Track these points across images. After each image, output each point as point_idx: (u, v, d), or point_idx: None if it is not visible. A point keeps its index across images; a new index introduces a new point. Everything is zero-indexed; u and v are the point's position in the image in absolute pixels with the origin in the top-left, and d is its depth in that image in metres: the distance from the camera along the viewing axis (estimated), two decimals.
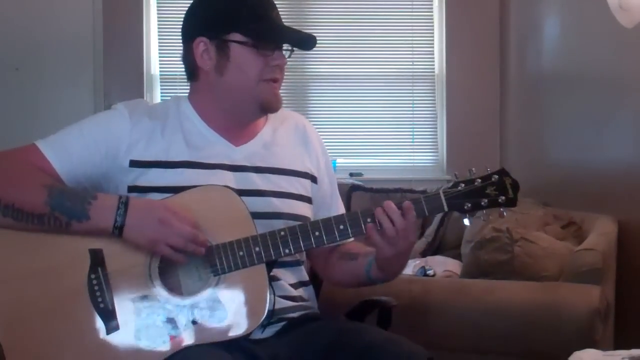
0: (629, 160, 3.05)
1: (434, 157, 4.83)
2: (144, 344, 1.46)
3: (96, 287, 1.47)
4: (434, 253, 3.62)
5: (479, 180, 1.55)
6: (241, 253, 1.49)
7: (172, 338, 1.46)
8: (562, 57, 3.82)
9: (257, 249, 1.50)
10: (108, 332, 1.46)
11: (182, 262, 1.48)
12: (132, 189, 1.57)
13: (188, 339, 1.47)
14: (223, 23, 1.61)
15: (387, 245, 1.53)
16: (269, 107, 1.65)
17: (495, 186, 1.55)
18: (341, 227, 1.53)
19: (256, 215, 1.55)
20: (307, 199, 1.70)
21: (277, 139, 1.71)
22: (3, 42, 4.27)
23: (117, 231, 1.46)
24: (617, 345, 2.43)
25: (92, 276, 1.48)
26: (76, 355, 1.46)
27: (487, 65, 4.71)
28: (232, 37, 1.60)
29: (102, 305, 1.47)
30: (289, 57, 1.67)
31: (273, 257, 1.51)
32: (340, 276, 1.74)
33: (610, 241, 2.75)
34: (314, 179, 1.73)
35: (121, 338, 1.46)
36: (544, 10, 4.07)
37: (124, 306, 1.47)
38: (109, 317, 1.47)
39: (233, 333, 1.48)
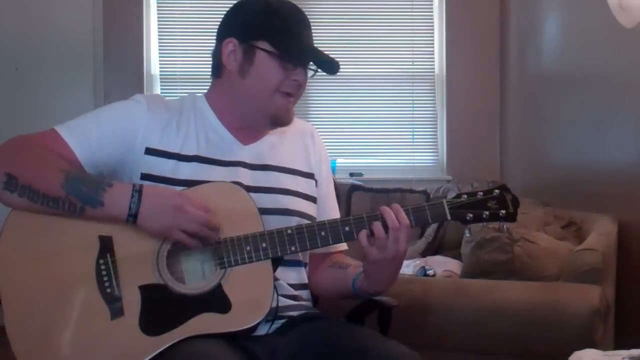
0: (629, 160, 3.05)
1: (434, 157, 4.83)
2: (148, 331, 1.47)
3: (104, 273, 1.49)
4: (434, 253, 3.62)
5: (481, 193, 1.60)
6: (248, 248, 1.52)
7: (176, 327, 1.47)
8: (562, 57, 3.82)
9: (264, 245, 1.52)
10: (113, 317, 1.48)
11: (195, 246, 1.51)
12: (145, 177, 1.60)
13: (191, 329, 1.48)
14: (255, 29, 1.64)
15: (374, 250, 1.54)
16: (279, 120, 1.68)
17: (497, 200, 1.60)
18: (347, 228, 1.56)
19: (263, 211, 1.58)
20: (312, 199, 1.74)
21: (284, 140, 1.75)
22: (3, 42, 4.28)
23: (132, 218, 1.48)
24: (617, 345, 2.43)
25: (101, 262, 1.50)
26: (80, 339, 1.47)
27: (487, 65, 4.71)
28: (260, 45, 1.62)
29: (108, 291, 1.49)
30: (312, 76, 1.69)
31: (279, 254, 1.54)
32: (325, 282, 1.76)
33: (610, 241, 2.75)
34: (316, 182, 1.77)
35: (126, 324, 1.48)
36: (544, 11, 4.07)
37: (130, 293, 1.49)
38: (115, 303, 1.48)
39: (236, 326, 1.49)
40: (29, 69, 4.34)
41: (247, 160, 1.67)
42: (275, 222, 1.59)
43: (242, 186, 1.59)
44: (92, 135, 1.59)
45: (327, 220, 1.58)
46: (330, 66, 1.67)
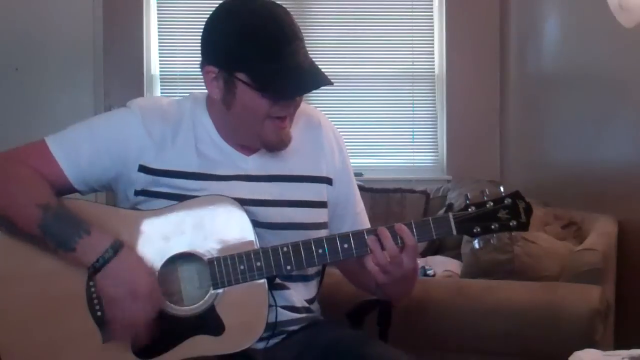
0: (629, 160, 3.05)
1: (434, 157, 4.83)
2: (140, 354, 1.45)
3: (94, 295, 1.46)
4: (434, 253, 3.62)
5: (491, 203, 1.52)
6: (242, 267, 1.47)
7: (168, 350, 1.45)
8: (562, 57, 3.82)
9: (258, 264, 1.47)
10: (104, 340, 1.45)
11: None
12: (140, 192, 1.54)
13: (184, 352, 1.45)
14: (231, 58, 1.49)
15: (380, 273, 1.50)
16: (272, 147, 1.57)
17: (508, 210, 1.53)
18: (345, 245, 1.49)
19: (270, 226, 1.54)
20: (322, 204, 1.64)
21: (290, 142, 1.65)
22: (3, 42, 4.27)
23: (92, 270, 1.42)
24: (617, 345, 2.43)
25: (91, 284, 1.46)
26: None
27: (487, 65, 4.71)
28: (239, 76, 1.49)
29: (99, 314, 1.46)
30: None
31: (274, 273, 1.49)
32: (355, 280, 1.76)
33: (610, 241, 2.75)
34: (329, 181, 1.66)
35: (117, 348, 1.45)
36: (544, 11, 4.07)
37: None
38: (106, 326, 1.45)
39: (229, 349, 1.47)
40: (29, 69, 4.33)
41: (251, 172, 1.58)
42: (282, 237, 1.52)
43: (245, 201, 1.53)
44: (84, 151, 1.53)
45: (325, 236, 1.52)
46: (319, 83, 1.54)
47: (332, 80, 1.56)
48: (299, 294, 1.61)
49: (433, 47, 4.81)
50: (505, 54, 4.64)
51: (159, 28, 4.72)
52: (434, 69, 4.81)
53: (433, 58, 4.81)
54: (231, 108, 1.53)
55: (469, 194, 1.56)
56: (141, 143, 1.54)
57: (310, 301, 1.65)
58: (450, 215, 1.52)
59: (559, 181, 3.76)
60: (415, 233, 1.50)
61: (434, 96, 4.82)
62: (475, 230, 1.52)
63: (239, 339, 1.47)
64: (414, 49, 4.80)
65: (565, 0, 3.84)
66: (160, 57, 4.72)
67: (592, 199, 3.32)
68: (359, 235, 1.51)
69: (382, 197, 4.12)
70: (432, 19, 4.80)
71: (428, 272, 3.05)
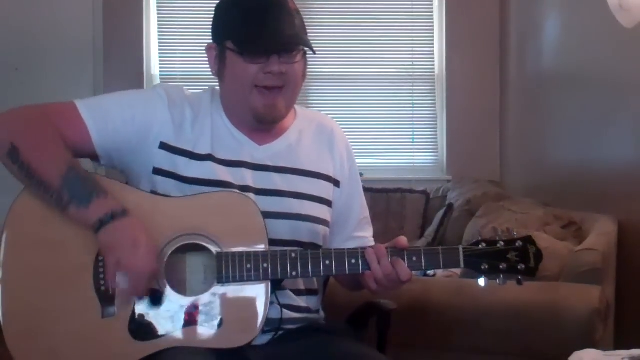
0: (629, 160, 3.05)
1: (434, 157, 4.83)
2: (136, 335, 1.46)
3: (101, 269, 1.47)
4: None
5: (502, 243, 1.52)
6: (249, 266, 1.48)
7: (165, 335, 1.46)
8: (562, 57, 3.82)
9: (265, 265, 1.48)
10: (104, 316, 1.46)
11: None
12: (157, 171, 1.58)
13: (180, 339, 1.46)
14: (222, 30, 1.62)
15: (373, 283, 1.53)
16: (261, 118, 1.61)
17: (518, 252, 1.52)
18: (353, 261, 1.51)
19: (274, 215, 1.56)
20: (327, 202, 1.68)
21: (302, 140, 1.69)
22: (3, 42, 4.27)
23: (97, 227, 1.44)
24: (617, 345, 2.43)
25: (100, 258, 1.47)
26: (68, 332, 1.46)
27: (487, 65, 4.71)
28: (228, 45, 1.59)
29: (103, 289, 1.47)
30: (307, 55, 1.63)
31: (279, 277, 1.50)
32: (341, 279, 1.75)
33: (610, 241, 2.75)
34: (336, 183, 1.71)
35: (115, 325, 1.46)
36: (544, 10, 4.07)
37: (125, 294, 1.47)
38: (108, 302, 1.46)
39: (223, 344, 1.47)
40: (29, 69, 4.34)
41: (261, 162, 1.62)
42: (286, 227, 1.57)
43: (251, 189, 1.57)
44: (111, 117, 1.57)
45: (335, 249, 1.55)
46: (295, 45, 1.59)
47: (314, 49, 1.62)
48: (299, 284, 1.63)
49: (433, 47, 4.81)
50: (505, 54, 4.64)
51: (159, 28, 4.72)
52: (433, 69, 4.81)
53: (433, 58, 4.81)
54: (224, 80, 1.62)
55: (480, 230, 1.54)
56: (164, 119, 1.60)
57: (309, 292, 1.66)
58: (461, 248, 1.52)
59: (559, 181, 3.76)
60: (423, 260, 1.52)
61: (434, 96, 4.82)
62: (483, 267, 1.52)
63: (234, 336, 1.48)
64: (414, 49, 4.80)
65: (565, 0, 3.84)
66: (160, 57, 4.72)
67: (592, 199, 3.32)
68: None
69: (382, 197, 4.13)
70: (432, 19, 4.80)
71: (428, 272, 3.05)
